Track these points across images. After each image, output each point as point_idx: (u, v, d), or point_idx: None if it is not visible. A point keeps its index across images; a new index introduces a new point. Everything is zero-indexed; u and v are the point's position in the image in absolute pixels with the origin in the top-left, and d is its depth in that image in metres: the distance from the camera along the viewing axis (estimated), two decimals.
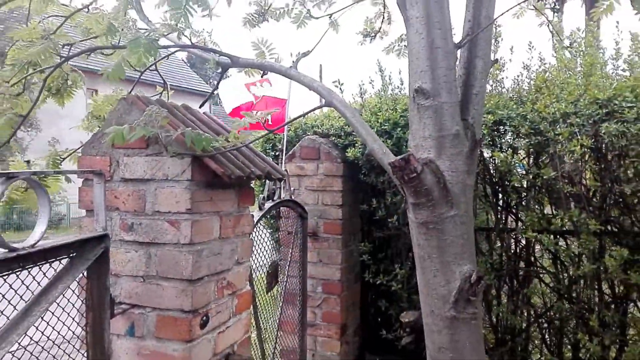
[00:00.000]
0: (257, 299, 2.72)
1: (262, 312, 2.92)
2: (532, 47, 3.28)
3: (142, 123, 1.46)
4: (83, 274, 1.54)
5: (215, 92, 2.53)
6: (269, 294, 3.11)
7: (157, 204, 1.69)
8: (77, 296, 1.68)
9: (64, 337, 1.60)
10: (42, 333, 1.47)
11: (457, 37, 1.24)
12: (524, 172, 2.99)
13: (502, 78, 3.30)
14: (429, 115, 1.09)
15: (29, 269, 1.33)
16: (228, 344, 1.89)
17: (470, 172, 1.11)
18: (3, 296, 1.37)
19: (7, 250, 1.26)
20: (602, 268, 2.66)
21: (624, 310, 2.85)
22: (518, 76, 3.25)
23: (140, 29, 1.78)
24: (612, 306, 2.84)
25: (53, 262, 1.42)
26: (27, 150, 18.88)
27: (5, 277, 1.28)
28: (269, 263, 2.91)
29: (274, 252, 3.40)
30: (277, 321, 3.28)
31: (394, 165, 1.09)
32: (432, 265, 1.07)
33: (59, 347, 1.55)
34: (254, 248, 2.33)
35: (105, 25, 1.84)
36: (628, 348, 2.69)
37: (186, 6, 1.57)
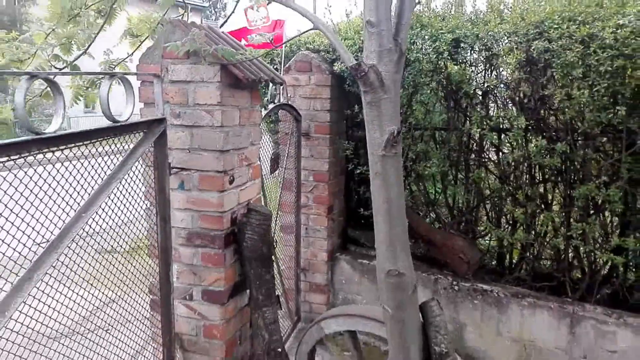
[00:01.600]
0: (264, 184, 3.52)
1: (268, 196, 3.74)
2: None
3: (189, 40, 2.16)
4: (151, 144, 2.32)
5: (225, 13, 3.16)
6: (269, 182, 3.93)
7: (196, 98, 2.42)
8: (144, 162, 2.45)
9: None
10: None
11: None
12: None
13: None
14: (374, 37, 1.79)
15: (125, 135, 2.10)
16: (247, 198, 2.72)
17: (398, 71, 1.82)
18: (107, 155, 2.13)
19: (112, 122, 2.02)
20: (526, 155, 3.46)
21: (544, 187, 3.70)
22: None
23: None
24: (534, 185, 3.69)
25: (136, 133, 2.19)
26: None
27: (113, 138, 2.04)
28: (272, 154, 3.70)
29: (275, 147, 4.19)
30: (278, 203, 4.13)
31: (352, 67, 1.81)
32: (373, 127, 1.82)
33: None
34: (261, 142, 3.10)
35: None
36: (543, 214, 3.57)
37: None
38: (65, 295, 1.89)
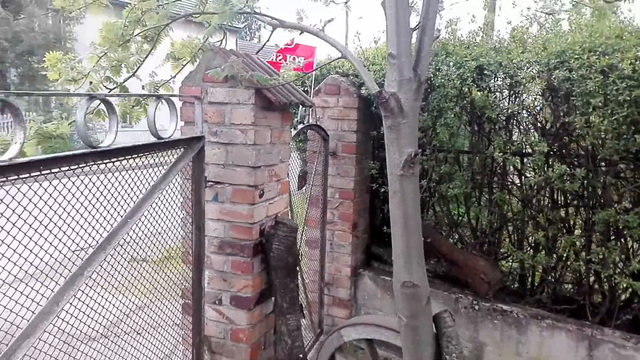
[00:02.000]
0: (291, 199, 3.70)
1: (295, 211, 3.93)
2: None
3: (227, 67, 2.39)
4: (190, 159, 2.54)
5: (259, 34, 3.40)
6: (297, 197, 4.12)
7: (232, 119, 2.64)
8: (183, 176, 2.68)
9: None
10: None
11: (413, 23, 2.10)
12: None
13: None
14: (395, 68, 1.96)
15: (168, 150, 2.33)
16: (275, 212, 2.91)
17: (417, 99, 1.98)
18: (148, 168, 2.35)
19: (157, 139, 2.24)
20: (547, 179, 3.56)
21: (566, 211, 3.77)
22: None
23: None
24: (555, 209, 3.76)
25: (177, 148, 2.41)
26: None
27: (158, 154, 2.26)
28: (300, 171, 3.90)
29: (303, 165, 4.39)
30: (304, 218, 4.31)
31: (375, 95, 1.99)
32: (393, 149, 1.98)
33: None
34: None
35: None
36: (564, 238, 3.64)
37: None
38: (98, 300, 2.09)
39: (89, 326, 2.03)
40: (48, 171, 1.60)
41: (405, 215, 1.97)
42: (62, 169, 1.68)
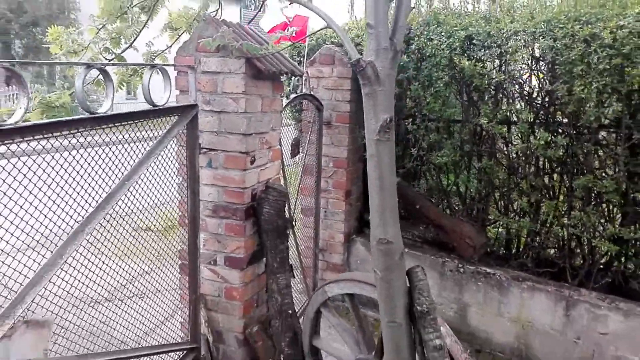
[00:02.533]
0: (284, 166, 3.85)
1: (289, 181, 4.08)
2: None
3: (218, 37, 2.51)
4: (185, 126, 2.68)
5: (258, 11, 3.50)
6: (292, 168, 4.27)
7: (224, 87, 2.77)
8: (178, 143, 2.83)
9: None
10: None
11: None
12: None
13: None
14: (372, 38, 2.07)
15: (163, 117, 2.47)
16: (266, 177, 3.06)
17: (392, 67, 2.10)
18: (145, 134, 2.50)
19: (152, 107, 2.38)
20: (531, 147, 3.68)
21: (549, 178, 3.91)
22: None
23: None
24: (538, 176, 3.90)
25: (172, 115, 2.55)
26: None
27: (153, 120, 2.41)
28: (293, 139, 4.04)
29: (299, 134, 4.53)
30: (298, 187, 4.47)
31: (353, 63, 2.11)
32: (370, 115, 2.11)
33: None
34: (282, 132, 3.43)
35: None
36: (546, 203, 3.78)
37: None
38: (102, 266, 2.27)
39: (94, 290, 2.21)
40: (50, 134, 1.76)
41: (381, 178, 2.12)
42: (63, 132, 1.83)
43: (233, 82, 2.73)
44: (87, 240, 2.04)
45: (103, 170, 2.14)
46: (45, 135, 1.75)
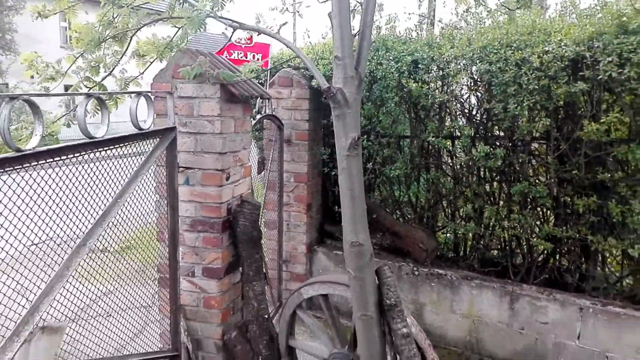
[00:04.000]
0: (252, 184, 4.10)
1: (256, 194, 4.33)
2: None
3: (196, 66, 2.76)
4: (165, 148, 2.89)
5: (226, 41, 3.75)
6: (258, 178, 4.52)
7: (200, 111, 3.00)
8: (157, 163, 3.02)
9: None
10: None
11: (355, 29, 2.56)
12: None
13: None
14: (340, 68, 2.38)
15: (147, 139, 2.67)
16: (239, 192, 3.30)
17: (358, 93, 2.41)
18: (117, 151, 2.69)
19: (138, 130, 2.59)
20: (473, 159, 4.12)
21: (491, 186, 4.37)
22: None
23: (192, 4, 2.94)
24: (480, 184, 4.35)
25: (154, 138, 2.76)
26: (7, 74, 19.14)
27: (137, 143, 2.61)
28: (258, 157, 4.30)
29: (260, 152, 4.79)
30: (263, 202, 4.72)
31: (324, 90, 2.43)
32: (340, 133, 2.41)
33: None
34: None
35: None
36: (488, 208, 4.22)
37: None
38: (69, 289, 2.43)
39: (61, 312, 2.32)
40: (59, 158, 1.95)
41: (352, 188, 2.43)
42: (68, 156, 2.02)
43: (209, 106, 2.98)
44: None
45: (90, 187, 2.32)
46: (55, 159, 1.94)
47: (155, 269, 3.28)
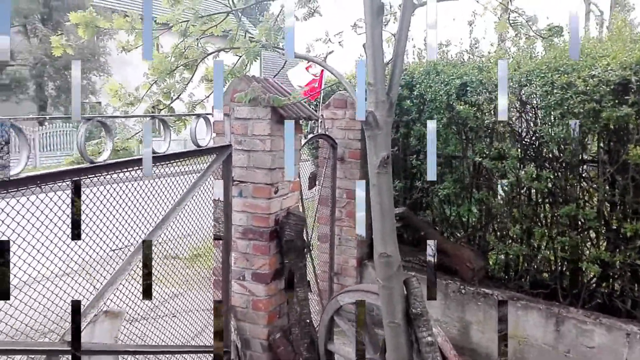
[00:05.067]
0: (302, 197, 4.40)
1: (307, 211, 4.61)
2: None
3: (250, 91, 3.10)
4: (222, 163, 3.25)
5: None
6: (310, 193, 4.81)
7: (253, 130, 3.35)
8: (214, 176, 3.40)
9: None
10: None
11: (388, 57, 2.80)
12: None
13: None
14: (372, 93, 2.63)
15: (205, 155, 3.04)
16: (287, 205, 3.60)
17: (389, 116, 2.65)
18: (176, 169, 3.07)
19: (196, 147, 2.96)
20: (520, 180, 4.17)
21: (539, 207, 4.37)
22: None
23: (250, 36, 3.32)
24: (529, 205, 4.37)
25: (211, 154, 3.13)
26: (100, 93, 20.94)
27: (194, 159, 2.98)
28: (310, 173, 4.59)
29: (315, 169, 5.09)
30: (314, 217, 4.99)
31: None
32: (371, 152, 2.65)
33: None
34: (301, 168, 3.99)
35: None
36: (536, 230, 4.23)
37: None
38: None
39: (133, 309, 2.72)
40: (126, 170, 2.33)
41: (381, 203, 2.64)
42: (134, 168, 2.41)
43: (261, 126, 3.32)
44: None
45: (150, 199, 2.70)
46: (123, 170, 2.32)
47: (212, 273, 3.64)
